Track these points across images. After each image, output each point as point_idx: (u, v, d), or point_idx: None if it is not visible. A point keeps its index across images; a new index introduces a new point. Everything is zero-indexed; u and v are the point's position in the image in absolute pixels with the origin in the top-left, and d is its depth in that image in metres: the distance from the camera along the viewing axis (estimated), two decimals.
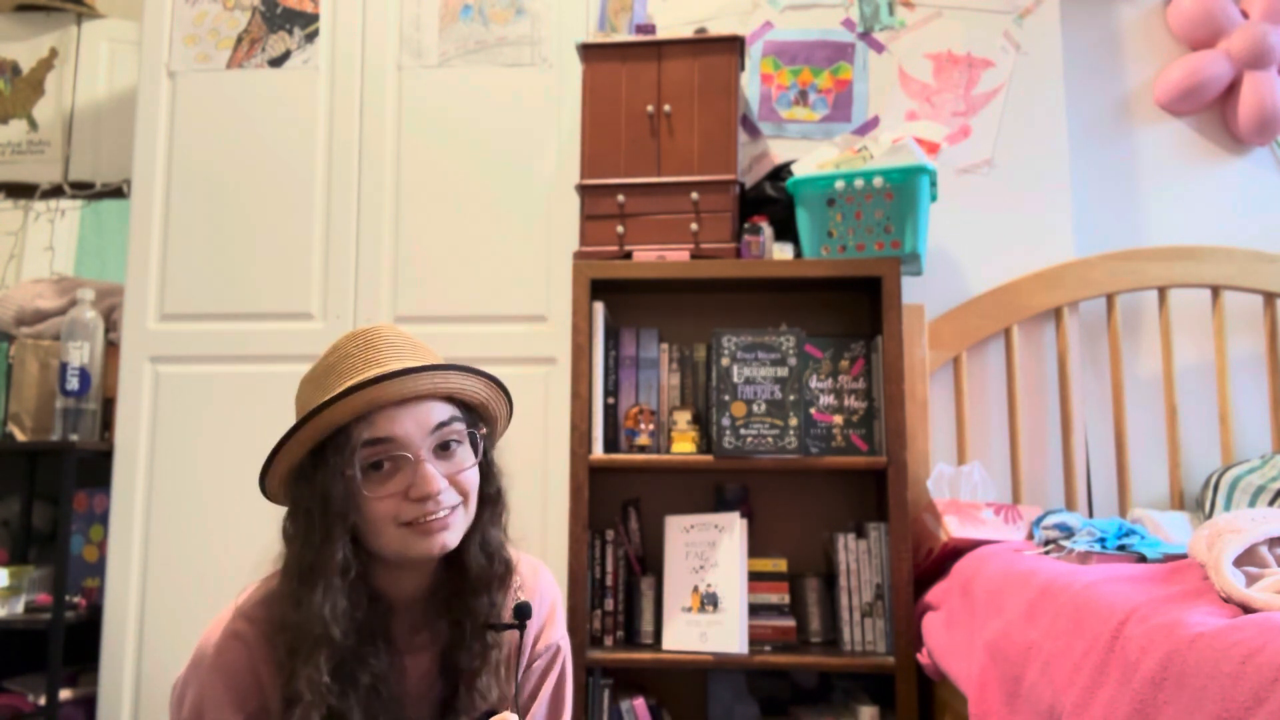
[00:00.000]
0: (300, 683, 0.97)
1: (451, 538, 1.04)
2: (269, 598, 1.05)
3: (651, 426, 2.02)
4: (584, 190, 2.06)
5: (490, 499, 1.11)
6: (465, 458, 1.07)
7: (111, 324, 2.34)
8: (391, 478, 1.02)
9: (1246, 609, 0.98)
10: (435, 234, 2.27)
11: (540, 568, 1.22)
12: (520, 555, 1.20)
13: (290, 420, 1.06)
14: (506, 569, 1.12)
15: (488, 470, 1.12)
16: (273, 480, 1.07)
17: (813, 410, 2.02)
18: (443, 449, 1.05)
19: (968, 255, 2.25)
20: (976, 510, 1.91)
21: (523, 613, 1.08)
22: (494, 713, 1.05)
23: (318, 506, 1.01)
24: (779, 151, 2.30)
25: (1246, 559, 1.09)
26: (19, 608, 2.12)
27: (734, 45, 2.06)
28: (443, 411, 1.06)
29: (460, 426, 1.07)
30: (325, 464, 1.01)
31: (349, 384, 1.00)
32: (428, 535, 1.02)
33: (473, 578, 1.09)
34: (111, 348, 2.31)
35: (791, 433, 1.92)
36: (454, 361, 1.07)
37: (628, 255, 2.03)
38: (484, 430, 1.11)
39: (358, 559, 1.03)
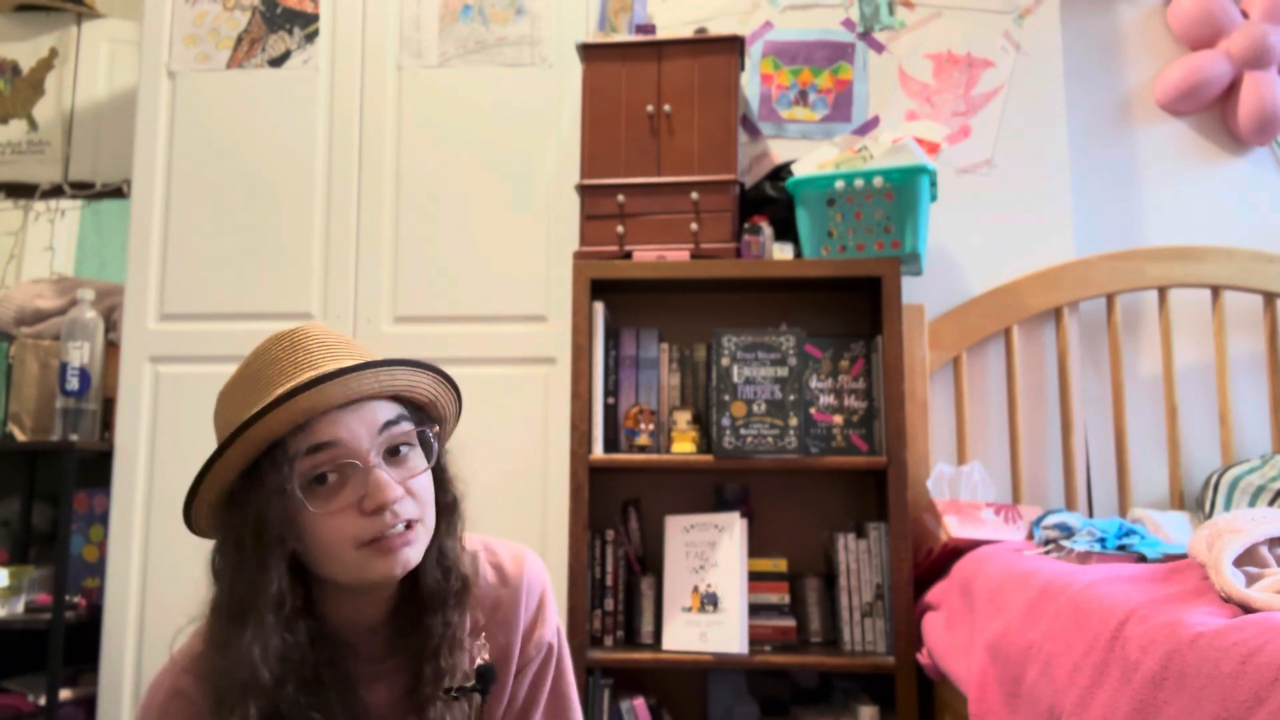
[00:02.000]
0: None
1: (414, 554, 0.94)
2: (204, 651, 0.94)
3: (651, 426, 2.02)
4: (584, 190, 2.06)
5: (446, 508, 1.00)
6: (418, 462, 0.96)
7: (111, 324, 2.34)
8: (339, 491, 0.91)
9: (1246, 609, 0.98)
10: (435, 234, 2.27)
11: (524, 555, 1.10)
12: (500, 544, 1.10)
13: None
14: (464, 585, 1.00)
15: (441, 477, 1.01)
16: (200, 510, 0.94)
17: (813, 410, 2.02)
18: (392, 454, 0.94)
19: (968, 255, 2.25)
20: (976, 510, 1.91)
21: (486, 677, 0.98)
22: None
23: (250, 534, 0.89)
24: (779, 151, 2.30)
25: (1246, 559, 1.09)
26: (19, 608, 2.12)
27: (734, 45, 2.06)
28: (389, 410, 0.94)
29: (409, 426, 0.96)
30: (259, 483, 0.89)
31: (281, 390, 0.88)
32: (388, 554, 0.91)
33: (426, 595, 0.98)
34: (111, 348, 2.31)
35: (791, 433, 1.92)
36: (399, 357, 0.96)
37: (628, 255, 2.03)
38: (436, 429, 1.00)
39: (302, 587, 0.93)
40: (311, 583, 0.96)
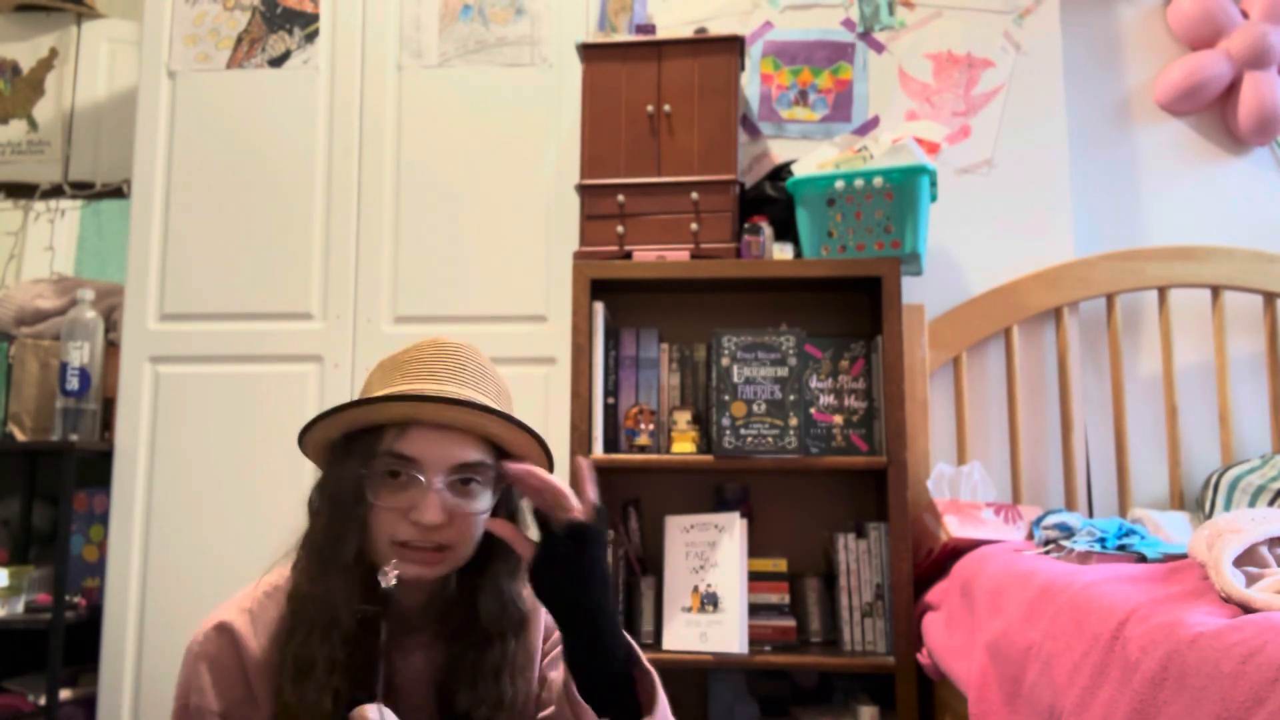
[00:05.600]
0: (317, 657, 0.99)
1: (430, 575, 1.04)
2: (276, 589, 1.06)
3: (651, 426, 2.02)
4: (584, 190, 2.06)
5: (507, 551, 1.07)
6: (480, 501, 1.06)
7: (111, 324, 2.33)
8: (401, 492, 1.02)
9: (1246, 609, 0.98)
10: (435, 234, 2.27)
11: None
12: None
13: (295, 419, 1.09)
14: (522, 618, 1.11)
15: (515, 520, 1.11)
16: (309, 442, 1.09)
17: (813, 410, 2.02)
18: (462, 484, 1.04)
19: (968, 255, 2.25)
20: (976, 510, 1.91)
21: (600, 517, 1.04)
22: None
23: (340, 489, 1.03)
24: (779, 151, 2.30)
25: (1246, 559, 1.09)
26: (19, 608, 2.12)
27: (734, 45, 2.06)
28: (477, 452, 1.05)
29: (487, 468, 1.06)
30: (351, 455, 1.04)
31: (395, 390, 1.04)
32: (409, 563, 1.02)
33: (483, 625, 1.07)
34: (111, 348, 2.31)
35: (791, 433, 1.92)
36: (511, 415, 1.06)
37: (628, 255, 2.03)
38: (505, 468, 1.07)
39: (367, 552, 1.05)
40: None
